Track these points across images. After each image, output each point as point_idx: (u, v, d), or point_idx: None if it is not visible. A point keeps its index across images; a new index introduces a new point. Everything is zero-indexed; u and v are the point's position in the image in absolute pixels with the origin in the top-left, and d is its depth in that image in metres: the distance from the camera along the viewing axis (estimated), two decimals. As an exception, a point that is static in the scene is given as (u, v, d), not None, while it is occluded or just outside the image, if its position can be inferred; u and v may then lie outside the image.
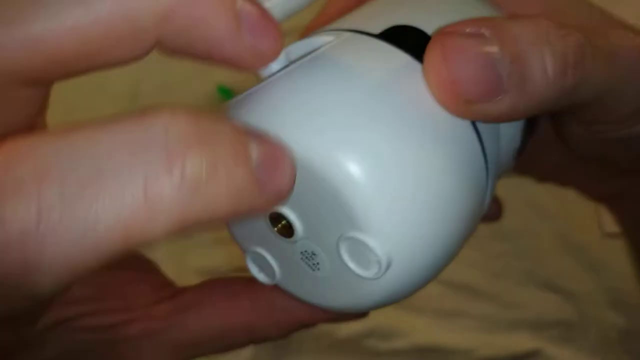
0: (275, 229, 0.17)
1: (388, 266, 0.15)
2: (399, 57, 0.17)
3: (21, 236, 0.10)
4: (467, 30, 0.15)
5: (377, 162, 0.15)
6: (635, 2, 0.56)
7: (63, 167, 0.11)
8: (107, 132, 0.11)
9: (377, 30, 0.17)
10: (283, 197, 0.13)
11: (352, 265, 0.16)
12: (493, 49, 0.15)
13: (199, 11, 0.13)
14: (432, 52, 0.15)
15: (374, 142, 0.15)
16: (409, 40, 0.17)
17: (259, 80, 0.16)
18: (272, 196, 0.13)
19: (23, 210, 0.10)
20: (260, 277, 0.20)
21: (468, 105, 0.15)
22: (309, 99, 0.15)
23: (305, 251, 0.17)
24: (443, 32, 0.16)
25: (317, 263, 0.17)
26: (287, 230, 0.17)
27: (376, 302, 0.17)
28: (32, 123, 0.14)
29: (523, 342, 0.40)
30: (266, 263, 0.19)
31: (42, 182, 0.11)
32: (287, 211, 0.16)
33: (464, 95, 0.15)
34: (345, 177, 0.14)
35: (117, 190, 0.11)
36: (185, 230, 0.12)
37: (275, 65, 0.16)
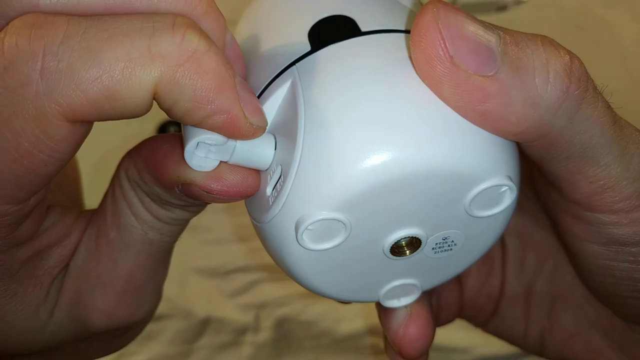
0: (407, 254, 0.17)
1: (515, 185, 0.16)
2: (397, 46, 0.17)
3: (44, 49, 0.13)
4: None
5: (443, 128, 0.15)
6: (634, 2, 0.56)
7: (90, 20, 0.13)
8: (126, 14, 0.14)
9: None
10: (255, 129, 0.15)
11: (486, 213, 0.17)
12: (483, 24, 0.15)
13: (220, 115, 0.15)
14: (424, 18, 0.15)
15: (437, 120, 0.15)
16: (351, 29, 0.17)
17: None
18: (248, 113, 0.15)
19: (52, 33, 0.13)
20: (405, 301, 0.20)
21: (456, 71, 0.14)
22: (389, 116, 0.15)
23: (437, 244, 0.17)
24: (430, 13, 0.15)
25: (452, 241, 0.17)
26: (415, 245, 0.17)
27: (504, 227, 0.18)
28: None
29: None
30: (405, 287, 0.19)
31: (71, 24, 0.13)
32: (407, 232, 0.17)
33: (464, 66, 0.14)
34: (448, 157, 0.15)
35: (126, 39, 0.13)
36: (173, 98, 0.14)
37: None
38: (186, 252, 0.44)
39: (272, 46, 0.18)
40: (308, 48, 0.16)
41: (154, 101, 0.14)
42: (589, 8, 0.55)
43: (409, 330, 0.21)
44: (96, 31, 0.13)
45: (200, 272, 0.43)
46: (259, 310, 0.41)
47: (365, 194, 0.15)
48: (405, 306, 0.20)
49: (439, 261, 0.18)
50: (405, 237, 0.17)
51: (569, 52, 0.15)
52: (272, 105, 0.17)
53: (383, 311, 0.21)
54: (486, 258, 0.23)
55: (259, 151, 0.16)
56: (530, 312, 0.24)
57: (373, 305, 0.24)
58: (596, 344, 0.23)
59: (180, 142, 0.16)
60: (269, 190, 0.16)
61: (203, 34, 0.14)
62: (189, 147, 0.15)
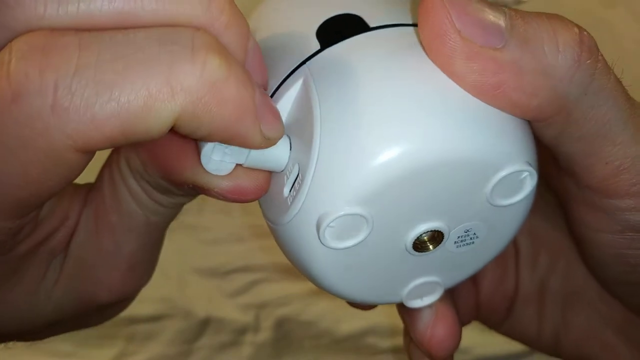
0: (429, 249, 0.17)
1: (535, 171, 0.16)
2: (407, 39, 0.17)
3: (56, 82, 0.12)
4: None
5: (461, 115, 0.15)
6: (634, 2, 0.56)
7: (102, 42, 0.13)
8: (142, 29, 0.13)
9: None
10: (271, 140, 0.15)
11: (508, 201, 0.16)
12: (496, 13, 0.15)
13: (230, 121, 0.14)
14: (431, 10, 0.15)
15: (456, 106, 0.15)
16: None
17: None
18: (266, 130, 0.15)
19: (63, 62, 0.12)
20: (429, 300, 0.20)
21: (466, 44, 0.14)
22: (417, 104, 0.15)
23: (459, 237, 0.17)
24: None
25: (474, 234, 0.17)
26: (437, 239, 0.17)
27: (525, 216, 0.18)
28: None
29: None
30: (428, 285, 0.19)
31: (83, 49, 0.12)
32: (429, 225, 0.16)
33: (474, 39, 0.14)
34: (468, 144, 0.15)
35: (144, 71, 0.12)
36: (192, 127, 0.13)
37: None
38: (186, 252, 0.44)
39: (281, 47, 0.18)
40: (317, 47, 0.17)
41: None
42: (589, 8, 0.55)
43: (437, 331, 0.21)
44: (111, 59, 0.12)
45: (200, 272, 0.43)
46: (259, 310, 0.41)
47: (386, 187, 0.15)
48: (430, 305, 0.20)
49: (461, 256, 0.18)
50: (427, 232, 0.17)
51: (578, 26, 0.15)
52: (285, 106, 0.16)
53: (407, 313, 0.21)
54: (500, 258, 0.23)
55: (275, 153, 0.16)
56: (544, 312, 0.24)
57: (373, 305, 0.24)
58: (610, 342, 0.23)
59: (190, 144, 0.16)
60: (286, 191, 0.16)
61: (223, 55, 0.13)
62: (206, 150, 0.15)
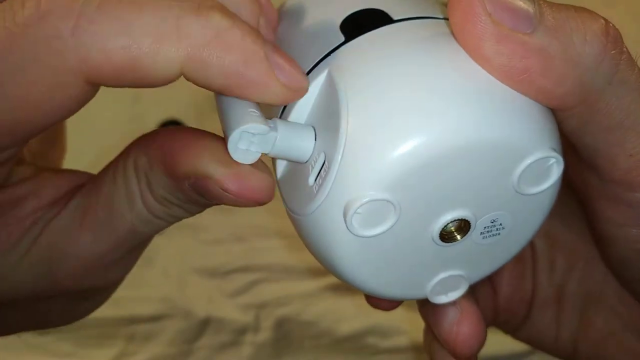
0: (457, 238, 0.17)
1: (561, 158, 0.16)
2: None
3: (81, 10, 0.14)
4: None
5: (489, 99, 0.15)
6: (634, 2, 0.56)
7: None
8: None
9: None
10: (294, 90, 0.16)
11: (535, 190, 0.17)
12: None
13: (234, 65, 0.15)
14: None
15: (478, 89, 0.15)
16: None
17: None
18: (283, 78, 0.15)
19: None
20: (453, 296, 0.19)
21: (495, 26, 0.15)
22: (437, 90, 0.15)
23: (485, 227, 0.17)
24: None
25: (500, 224, 0.17)
26: (464, 229, 0.17)
27: (550, 206, 0.18)
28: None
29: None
30: (453, 280, 0.19)
31: None
32: (456, 214, 0.16)
33: (504, 22, 0.15)
34: (495, 128, 0.15)
35: (156, 15, 0.14)
36: (201, 74, 0.15)
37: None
38: (186, 252, 0.44)
39: (305, 40, 0.18)
40: (342, 39, 0.17)
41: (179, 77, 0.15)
42: (588, 7, 0.55)
43: (463, 329, 0.21)
44: (129, 1, 0.14)
45: (200, 272, 0.43)
46: (259, 311, 0.41)
47: (413, 173, 0.15)
48: (454, 302, 0.20)
49: (486, 248, 0.18)
50: (454, 220, 0.17)
51: (604, 18, 0.16)
52: (309, 98, 0.17)
53: (431, 311, 0.21)
54: (517, 261, 0.23)
55: (300, 143, 0.16)
56: (562, 315, 0.24)
57: (395, 304, 0.24)
58: (630, 345, 0.23)
59: (200, 134, 0.17)
60: (311, 180, 0.16)
61: (225, 11, 0.15)
62: (233, 137, 0.15)
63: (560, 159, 0.16)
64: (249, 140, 0.15)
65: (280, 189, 0.18)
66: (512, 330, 0.26)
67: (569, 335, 0.24)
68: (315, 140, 0.16)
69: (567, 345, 0.24)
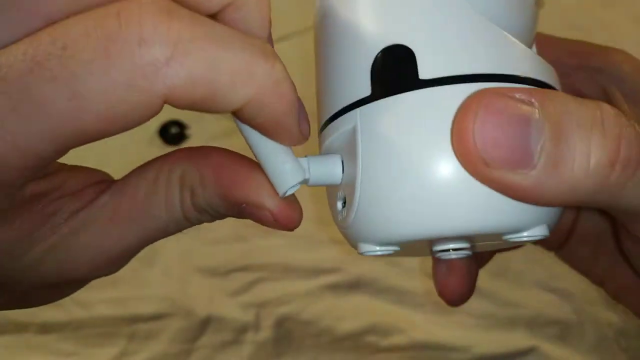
0: (452, 256, 0.20)
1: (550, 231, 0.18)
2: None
3: (177, 41, 0.15)
4: (517, 95, 0.15)
5: (484, 196, 0.17)
6: (633, 2, 0.56)
7: (208, 24, 0.15)
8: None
9: None
10: (304, 137, 0.17)
11: (524, 239, 0.18)
12: (533, 117, 0.15)
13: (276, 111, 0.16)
14: (467, 104, 0.15)
15: None
16: None
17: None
18: (302, 127, 0.17)
19: (184, 29, 0.15)
20: (455, 256, 0.21)
21: (486, 168, 0.15)
22: None
23: (481, 242, 0.20)
24: (491, 89, 0.15)
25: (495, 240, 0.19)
26: (460, 248, 0.20)
27: None
28: None
29: (520, 340, 0.40)
30: (455, 251, 0.21)
31: (195, 24, 0.15)
32: (453, 245, 0.20)
33: (483, 156, 0.15)
34: (492, 219, 0.17)
35: (235, 51, 0.15)
36: (253, 113, 0.16)
37: None
38: (187, 251, 0.44)
39: (337, 72, 0.19)
40: (368, 91, 0.17)
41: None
42: (588, 8, 0.55)
43: (450, 281, 0.26)
44: (214, 38, 0.15)
45: (201, 271, 0.43)
46: (259, 309, 0.41)
47: (412, 240, 0.17)
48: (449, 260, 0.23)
49: (486, 244, 0.20)
50: (449, 248, 0.19)
51: (624, 124, 0.15)
52: (336, 139, 0.19)
53: (433, 260, 0.26)
54: None
55: (330, 172, 0.18)
56: (597, 256, 0.26)
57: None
58: None
59: (252, 165, 0.19)
60: (339, 205, 0.19)
61: (281, 63, 0.16)
62: (286, 192, 0.18)
63: (548, 234, 0.17)
64: None
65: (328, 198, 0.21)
66: (551, 249, 0.28)
67: (600, 272, 0.26)
68: (343, 168, 0.18)
69: (597, 278, 0.27)
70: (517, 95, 0.15)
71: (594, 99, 0.16)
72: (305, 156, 0.18)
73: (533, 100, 0.15)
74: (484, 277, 0.45)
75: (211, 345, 0.40)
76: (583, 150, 0.15)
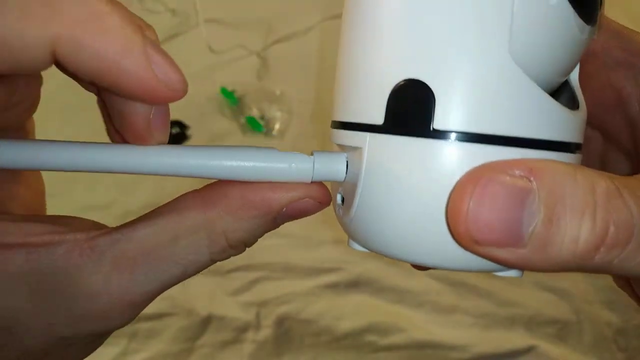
0: None
1: None
2: None
3: None
4: (517, 172, 0.15)
5: None
6: (632, 3, 0.56)
7: None
8: None
9: None
10: (173, 89, 0.15)
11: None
12: (528, 200, 0.14)
13: (106, 45, 0.14)
14: (464, 183, 0.15)
15: None
16: None
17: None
18: (160, 73, 0.14)
19: None
20: None
21: (475, 245, 0.15)
22: None
23: None
24: (489, 166, 0.15)
25: None
26: None
27: None
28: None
29: (519, 339, 0.40)
30: None
31: None
32: None
33: (474, 237, 0.15)
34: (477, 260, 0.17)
35: None
36: (75, 56, 0.14)
37: None
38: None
39: (359, 78, 0.18)
40: (381, 119, 0.17)
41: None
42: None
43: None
44: None
45: (204, 270, 0.43)
46: (259, 309, 0.41)
47: (399, 260, 0.18)
48: None
49: None
50: None
51: (618, 206, 0.15)
52: (344, 143, 0.18)
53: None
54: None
55: (334, 169, 0.18)
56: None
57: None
58: None
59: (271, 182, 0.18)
60: (339, 199, 0.19)
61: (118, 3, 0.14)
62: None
63: (521, 275, 0.18)
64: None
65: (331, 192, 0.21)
66: None
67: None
68: (347, 166, 0.18)
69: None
70: (517, 172, 0.15)
71: (631, 101, 0.16)
72: (312, 153, 0.18)
73: (532, 178, 0.14)
74: (483, 277, 0.45)
75: (212, 344, 0.40)
76: (573, 234, 0.14)
